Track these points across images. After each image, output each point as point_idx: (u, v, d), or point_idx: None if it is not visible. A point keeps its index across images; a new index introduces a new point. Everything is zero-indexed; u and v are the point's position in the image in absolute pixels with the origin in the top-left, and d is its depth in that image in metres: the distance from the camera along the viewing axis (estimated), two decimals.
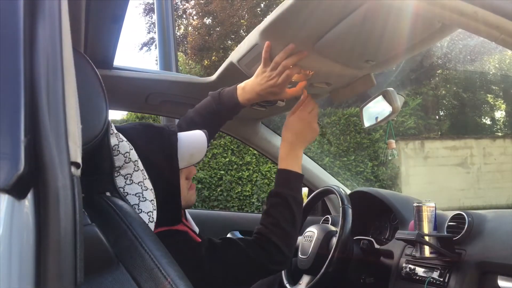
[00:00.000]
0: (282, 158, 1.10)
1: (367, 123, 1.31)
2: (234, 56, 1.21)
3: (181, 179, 1.01)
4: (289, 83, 1.11)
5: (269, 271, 1.03)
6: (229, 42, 13.29)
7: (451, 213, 1.28)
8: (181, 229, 0.99)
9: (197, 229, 1.13)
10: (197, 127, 1.06)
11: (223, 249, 0.98)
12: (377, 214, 1.62)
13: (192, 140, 1.01)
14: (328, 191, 1.51)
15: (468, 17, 0.72)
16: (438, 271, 1.19)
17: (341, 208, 1.34)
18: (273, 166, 7.37)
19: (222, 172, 7.27)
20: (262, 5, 13.25)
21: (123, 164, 0.81)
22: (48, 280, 0.34)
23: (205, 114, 1.15)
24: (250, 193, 7.31)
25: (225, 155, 7.32)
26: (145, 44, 15.16)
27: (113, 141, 0.79)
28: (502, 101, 13.74)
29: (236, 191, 7.27)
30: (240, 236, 1.87)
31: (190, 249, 0.94)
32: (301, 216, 1.09)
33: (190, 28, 13.87)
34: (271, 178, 7.50)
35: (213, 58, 12.91)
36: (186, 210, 1.18)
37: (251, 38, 1.07)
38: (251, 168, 7.40)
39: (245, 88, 1.10)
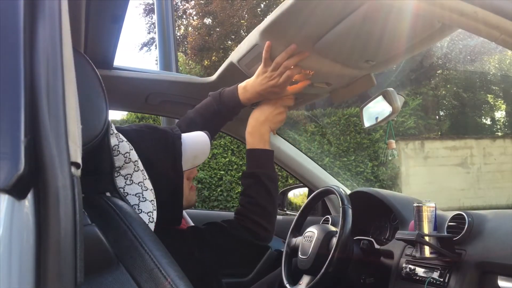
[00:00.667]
0: (247, 139, 1.13)
1: (367, 123, 1.31)
2: (234, 56, 1.21)
3: (184, 181, 1.01)
4: (291, 83, 1.11)
5: (256, 247, 1.07)
6: (229, 42, 13.30)
7: (451, 213, 1.28)
8: (181, 227, 1.01)
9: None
10: (198, 128, 1.06)
11: (209, 233, 1.01)
12: (377, 214, 1.62)
13: (196, 142, 1.02)
14: (328, 191, 1.50)
15: (468, 17, 0.72)
16: (438, 271, 1.18)
17: (341, 208, 1.34)
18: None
19: (222, 172, 7.27)
20: (262, 5, 13.25)
21: (123, 164, 0.81)
22: (48, 280, 0.34)
23: (205, 114, 1.15)
24: None
25: (225, 155, 7.33)
26: (145, 44, 15.19)
27: (113, 141, 0.79)
28: (502, 101, 13.75)
29: (236, 191, 7.27)
30: None
31: (177, 240, 0.95)
32: (277, 190, 1.11)
33: (190, 28, 13.88)
34: None
35: (213, 58, 12.92)
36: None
37: (251, 38, 1.07)
38: None
39: (246, 88, 1.11)
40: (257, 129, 1.13)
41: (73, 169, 0.37)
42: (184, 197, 1.02)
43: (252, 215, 1.04)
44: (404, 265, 1.31)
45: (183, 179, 0.98)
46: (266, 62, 1.05)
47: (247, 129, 1.15)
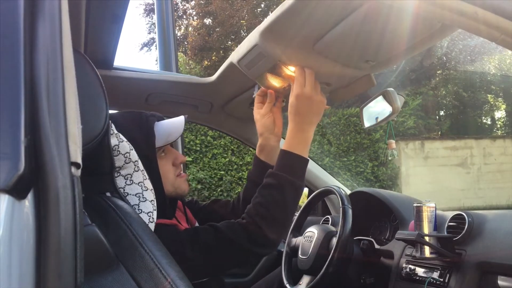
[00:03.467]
0: (288, 139, 1.06)
1: (367, 123, 1.31)
2: (234, 56, 1.21)
3: (167, 164, 1.04)
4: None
5: (252, 254, 1.00)
6: (229, 42, 13.30)
7: (451, 213, 1.28)
8: (168, 223, 0.99)
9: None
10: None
11: (204, 234, 0.97)
12: (377, 214, 1.62)
13: (171, 122, 1.07)
14: (328, 192, 1.50)
15: (468, 17, 0.72)
16: (438, 272, 1.18)
17: (341, 209, 1.34)
18: None
19: (222, 172, 7.27)
20: (262, 5, 13.25)
21: (123, 164, 0.81)
22: (48, 280, 0.34)
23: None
24: None
25: (225, 155, 7.32)
26: (145, 45, 15.18)
27: (113, 141, 0.79)
28: (502, 101, 13.75)
29: (237, 191, 7.27)
30: None
31: (172, 240, 0.92)
32: (296, 202, 1.03)
33: (190, 28, 13.88)
34: None
35: (213, 58, 12.92)
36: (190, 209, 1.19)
37: (251, 38, 1.07)
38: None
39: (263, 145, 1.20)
40: (301, 132, 1.06)
41: (73, 169, 0.37)
42: (170, 182, 1.04)
43: (257, 218, 0.97)
44: (404, 265, 1.31)
45: (155, 155, 1.00)
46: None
47: (289, 130, 1.07)
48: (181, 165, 1.11)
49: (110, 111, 0.87)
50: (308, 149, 1.06)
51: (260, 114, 1.20)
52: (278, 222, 0.99)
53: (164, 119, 1.09)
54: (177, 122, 1.07)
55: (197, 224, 1.20)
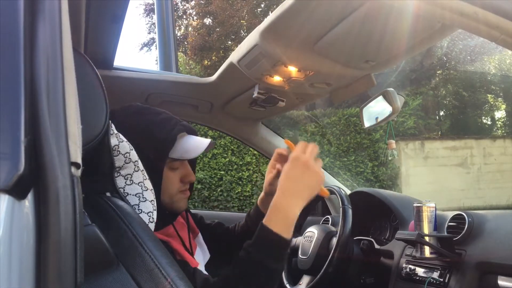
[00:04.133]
0: (270, 212, 0.92)
1: (367, 123, 1.31)
2: (234, 56, 1.21)
3: (174, 177, 1.02)
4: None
5: None
6: (229, 42, 13.29)
7: (451, 213, 1.28)
8: (164, 239, 0.94)
9: (205, 251, 1.13)
10: None
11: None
12: (377, 214, 1.62)
13: (196, 140, 1.03)
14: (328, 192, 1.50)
15: (468, 17, 0.73)
16: (438, 272, 1.18)
17: (341, 209, 1.34)
18: None
19: (222, 172, 7.26)
20: (262, 5, 13.25)
21: (123, 164, 0.81)
22: (48, 280, 0.34)
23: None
24: (250, 194, 7.31)
25: (225, 155, 7.32)
26: (145, 45, 15.17)
27: (113, 141, 0.79)
28: (502, 101, 13.74)
29: (236, 191, 7.27)
30: None
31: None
32: (270, 285, 0.89)
33: (190, 28, 13.88)
34: None
35: (213, 58, 12.92)
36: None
37: (251, 38, 1.07)
38: (251, 168, 7.39)
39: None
40: (287, 202, 0.92)
41: (73, 169, 0.37)
42: (169, 193, 1.01)
43: None
44: (404, 265, 1.31)
45: (164, 161, 0.98)
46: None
47: (275, 197, 0.93)
48: (189, 184, 1.07)
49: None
50: (292, 229, 0.91)
51: (267, 172, 1.18)
52: None
53: (196, 134, 1.05)
54: (200, 143, 1.02)
55: (200, 235, 1.17)
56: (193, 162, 1.13)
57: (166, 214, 1.02)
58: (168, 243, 0.95)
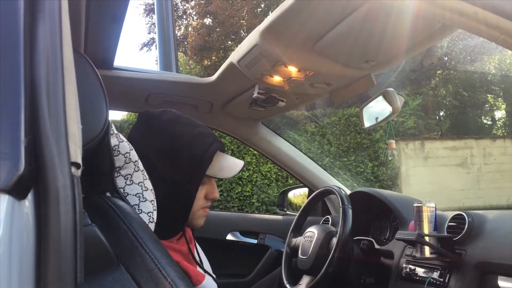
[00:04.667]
0: None
1: (367, 123, 1.31)
2: (234, 56, 1.21)
3: (200, 193, 1.01)
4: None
5: None
6: (229, 42, 13.29)
7: (451, 213, 1.28)
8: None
9: (205, 262, 1.11)
10: None
11: None
12: (377, 214, 1.62)
13: (231, 161, 1.03)
14: (328, 192, 1.50)
15: (468, 17, 0.73)
16: (438, 272, 1.18)
17: (341, 209, 1.34)
18: (273, 167, 7.37)
19: None
20: (262, 5, 13.25)
21: (124, 164, 0.81)
22: (48, 281, 0.34)
23: None
24: (250, 194, 7.31)
25: None
26: (145, 45, 15.18)
27: (114, 141, 0.79)
28: (502, 101, 13.74)
29: (236, 191, 7.27)
30: (240, 236, 1.87)
31: None
32: None
33: (190, 28, 13.88)
34: (271, 178, 7.49)
35: (213, 58, 12.92)
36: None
37: (251, 38, 1.07)
38: (251, 168, 7.40)
39: None
40: None
41: (73, 169, 0.37)
42: (193, 210, 1.00)
43: None
44: (404, 265, 1.31)
45: (202, 177, 0.97)
46: None
47: None
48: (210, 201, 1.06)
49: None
50: None
51: None
52: None
53: (224, 151, 1.05)
54: (235, 165, 1.03)
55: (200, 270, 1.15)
56: None
57: (181, 226, 1.00)
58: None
